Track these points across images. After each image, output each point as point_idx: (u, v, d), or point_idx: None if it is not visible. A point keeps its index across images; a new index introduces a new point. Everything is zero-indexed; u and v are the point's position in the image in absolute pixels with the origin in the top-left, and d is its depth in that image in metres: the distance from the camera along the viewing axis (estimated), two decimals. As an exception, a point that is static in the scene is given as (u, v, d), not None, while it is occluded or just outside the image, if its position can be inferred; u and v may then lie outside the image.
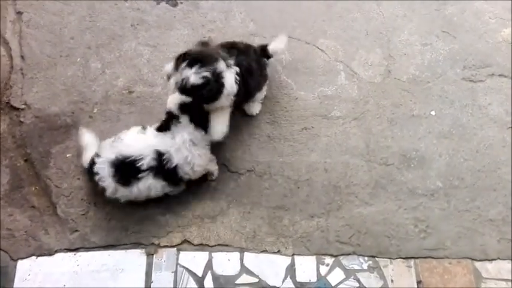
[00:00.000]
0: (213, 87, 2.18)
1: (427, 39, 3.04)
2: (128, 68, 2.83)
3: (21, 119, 2.71)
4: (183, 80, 2.14)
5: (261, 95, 2.68)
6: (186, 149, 2.30)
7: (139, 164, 2.24)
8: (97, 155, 2.32)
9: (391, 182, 2.65)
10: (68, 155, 2.63)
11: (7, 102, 2.76)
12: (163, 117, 2.41)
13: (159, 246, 2.46)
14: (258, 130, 2.75)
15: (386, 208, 2.59)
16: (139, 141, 2.28)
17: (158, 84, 2.82)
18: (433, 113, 2.82)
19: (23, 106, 2.74)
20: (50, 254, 2.42)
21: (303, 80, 2.87)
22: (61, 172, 2.60)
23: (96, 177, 2.32)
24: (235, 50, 2.42)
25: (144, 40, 2.94)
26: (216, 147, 2.61)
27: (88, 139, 2.51)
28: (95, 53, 2.86)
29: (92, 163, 2.34)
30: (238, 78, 2.27)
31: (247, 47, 2.54)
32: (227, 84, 2.23)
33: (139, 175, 2.26)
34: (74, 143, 2.66)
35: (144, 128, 2.36)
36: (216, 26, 3.03)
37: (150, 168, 2.26)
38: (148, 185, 2.30)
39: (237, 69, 2.30)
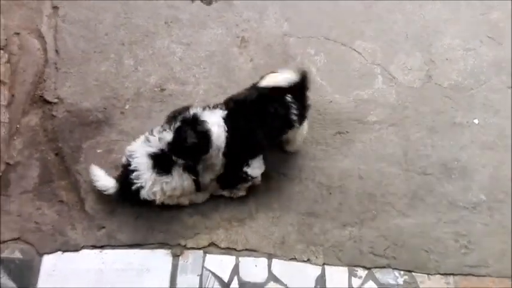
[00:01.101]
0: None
1: (470, 44, 2.89)
2: (160, 65, 2.78)
3: (54, 113, 2.67)
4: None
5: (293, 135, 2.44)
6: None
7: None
8: (131, 154, 2.28)
9: (430, 193, 2.50)
10: (98, 151, 2.58)
11: (40, 96, 2.75)
12: None
13: (185, 247, 2.39)
14: None
15: (425, 220, 2.44)
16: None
17: (190, 82, 2.76)
18: (476, 121, 2.67)
19: (55, 100, 2.71)
20: (76, 250, 2.38)
21: (338, 83, 2.75)
22: (91, 168, 2.54)
23: (133, 175, 2.24)
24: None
25: (177, 38, 2.89)
26: None
27: (97, 171, 2.45)
28: (128, 49, 2.82)
29: (127, 164, 2.29)
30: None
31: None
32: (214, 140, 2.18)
33: (179, 160, 2.22)
34: (104, 139, 2.62)
35: None
36: (250, 26, 2.95)
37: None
38: (182, 176, 2.24)
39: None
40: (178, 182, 2.26)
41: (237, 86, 2.72)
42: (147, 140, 2.26)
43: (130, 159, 2.27)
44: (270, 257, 2.37)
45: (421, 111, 2.69)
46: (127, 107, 2.69)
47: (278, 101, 2.25)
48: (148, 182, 2.26)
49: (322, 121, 2.69)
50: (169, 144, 2.12)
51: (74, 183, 2.52)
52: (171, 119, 2.16)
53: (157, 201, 2.35)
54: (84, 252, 2.38)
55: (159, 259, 2.36)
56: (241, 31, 2.92)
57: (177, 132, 2.10)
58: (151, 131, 2.27)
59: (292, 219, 2.46)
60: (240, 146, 2.21)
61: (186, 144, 2.10)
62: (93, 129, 2.64)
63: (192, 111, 2.18)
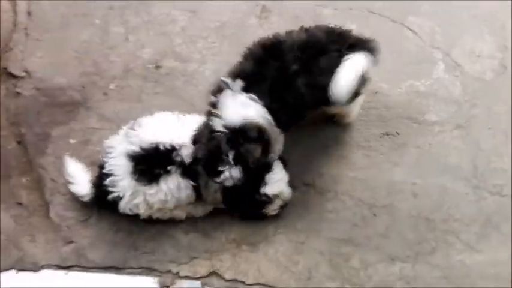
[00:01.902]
0: None
1: (555, 27, 2.40)
2: (158, 36, 2.43)
3: (19, 90, 2.32)
4: None
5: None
6: None
7: (175, 153, 1.81)
8: (108, 151, 1.90)
9: (507, 220, 1.98)
10: (71, 141, 2.19)
11: (4, 68, 2.38)
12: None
13: (178, 275, 1.93)
14: (321, 131, 2.16)
15: (500, 257, 1.92)
16: (173, 126, 1.88)
17: (194, 59, 2.37)
18: None
19: (22, 74, 2.35)
20: (35, 270, 1.97)
21: (386, 69, 2.24)
22: (60, 162, 2.12)
23: (107, 181, 1.85)
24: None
25: (181, 3, 2.52)
26: None
27: (74, 167, 2.04)
28: (118, 14, 2.51)
29: (101, 168, 1.91)
30: None
31: None
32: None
33: (170, 167, 1.81)
34: (80, 126, 2.22)
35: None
36: None
37: (180, 164, 1.82)
38: (178, 184, 1.83)
39: None
40: (170, 192, 1.85)
41: None
42: (128, 135, 1.86)
43: (105, 159, 1.87)
44: (290, 295, 1.89)
45: (494, 111, 2.18)
46: (111, 86, 2.31)
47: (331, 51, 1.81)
48: (127, 192, 1.84)
49: (364, 117, 2.18)
50: (239, 177, 1.74)
51: (37, 181, 2.14)
52: (215, 159, 1.72)
53: (142, 216, 1.93)
54: (45, 273, 1.96)
55: (141, 290, 1.91)
56: None
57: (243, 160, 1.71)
58: (134, 123, 1.91)
59: (322, 246, 1.95)
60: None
61: (257, 161, 1.74)
62: (67, 113, 2.26)
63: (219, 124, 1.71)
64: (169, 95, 2.24)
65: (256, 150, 1.71)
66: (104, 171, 1.85)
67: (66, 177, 2.01)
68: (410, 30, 2.36)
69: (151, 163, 1.80)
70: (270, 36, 1.88)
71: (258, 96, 1.73)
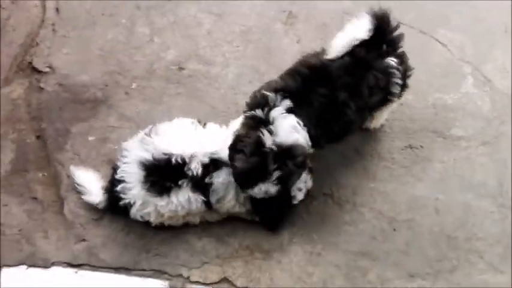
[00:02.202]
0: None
1: None
2: (183, 38, 2.39)
3: (42, 85, 2.29)
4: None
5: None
6: None
7: (187, 166, 1.75)
8: (123, 154, 1.85)
9: None
10: (90, 138, 2.16)
11: (29, 63, 2.36)
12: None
13: (188, 280, 1.87)
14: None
15: None
16: (189, 137, 1.82)
17: (217, 63, 2.32)
18: None
19: (47, 69, 2.33)
20: (45, 266, 1.92)
21: (413, 80, 2.12)
22: (78, 159, 2.11)
23: (119, 187, 1.80)
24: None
25: (207, 6, 2.48)
26: None
27: (84, 176, 1.99)
28: (144, 15, 2.47)
29: (114, 171, 1.86)
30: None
31: None
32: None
33: (181, 181, 1.75)
34: (100, 123, 2.19)
35: (200, 122, 1.90)
36: None
37: (192, 178, 1.76)
38: (188, 198, 1.78)
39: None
40: (180, 205, 1.80)
41: (278, 72, 2.22)
42: (143, 141, 1.81)
43: (119, 163, 1.83)
44: (302, 307, 1.81)
45: None
46: (134, 86, 2.28)
47: (375, 66, 1.76)
48: (138, 201, 1.80)
49: (388, 128, 2.10)
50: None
51: (53, 177, 2.09)
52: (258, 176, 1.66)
53: (154, 224, 1.88)
54: (55, 270, 1.91)
55: (151, 292, 1.85)
56: (289, 4, 2.46)
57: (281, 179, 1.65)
58: (151, 129, 1.85)
59: (339, 258, 1.87)
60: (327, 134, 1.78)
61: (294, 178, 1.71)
62: (88, 110, 2.23)
63: (270, 142, 1.66)
64: (191, 97, 2.20)
65: (299, 175, 1.69)
66: (117, 176, 1.80)
67: (77, 188, 1.96)
68: (440, 42, 2.28)
69: (162, 175, 1.75)
70: (314, 56, 1.81)
71: (304, 122, 1.68)
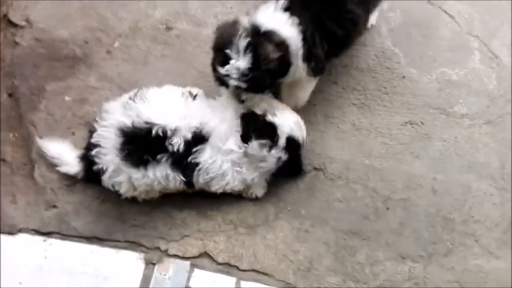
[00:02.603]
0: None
1: None
2: None
3: (17, 39, 2.13)
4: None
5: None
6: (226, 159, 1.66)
7: (170, 139, 1.60)
8: (102, 117, 1.71)
9: None
10: (66, 98, 2.01)
11: (5, 15, 2.18)
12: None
13: (166, 253, 1.76)
14: (339, 112, 1.97)
15: None
16: (176, 108, 1.66)
17: (208, 24, 2.15)
18: None
19: (23, 23, 2.16)
20: (11, 233, 1.80)
21: (417, 53, 2.08)
22: (52, 119, 1.96)
23: (93, 152, 1.67)
24: None
25: None
26: None
27: (56, 147, 1.83)
28: None
29: (91, 135, 1.71)
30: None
31: None
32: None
33: (160, 155, 1.61)
34: (78, 83, 2.03)
35: (192, 95, 1.73)
36: None
37: (172, 154, 1.62)
38: (166, 175, 1.64)
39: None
40: (156, 180, 1.66)
41: None
42: (126, 106, 1.67)
43: (97, 125, 1.68)
44: (287, 286, 1.71)
45: None
46: (116, 44, 2.12)
47: None
48: (110, 167, 1.65)
49: (388, 103, 1.98)
50: (245, 73, 1.54)
51: (25, 138, 1.96)
52: (226, 42, 1.56)
53: (124, 195, 1.75)
54: (22, 237, 1.80)
55: (125, 264, 1.74)
56: None
57: (254, 51, 1.52)
58: (137, 93, 1.71)
59: (328, 236, 1.77)
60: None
61: (269, 64, 1.54)
62: (66, 68, 2.07)
63: (247, 22, 1.59)
64: (178, 60, 2.04)
65: (273, 52, 1.54)
66: (92, 140, 1.66)
67: (50, 160, 1.81)
68: (448, 14, 2.14)
69: (140, 145, 1.61)
70: None
71: (299, 21, 1.57)
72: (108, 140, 1.64)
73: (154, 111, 1.62)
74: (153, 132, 1.58)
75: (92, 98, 1.97)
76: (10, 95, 2.01)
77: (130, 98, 1.69)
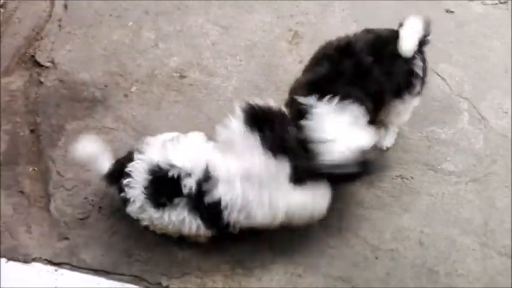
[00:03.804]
0: None
1: None
2: (187, 47, 2.37)
3: (42, 79, 2.28)
4: None
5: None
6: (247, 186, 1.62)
7: (183, 182, 1.61)
8: (138, 150, 1.71)
9: None
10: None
11: (32, 56, 2.36)
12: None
13: None
14: None
15: None
16: (196, 151, 1.67)
17: (219, 74, 2.30)
18: None
19: (48, 64, 2.32)
20: (26, 261, 1.89)
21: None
22: (69, 156, 2.03)
23: (124, 181, 1.68)
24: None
25: (215, 18, 2.46)
26: None
27: (92, 147, 1.79)
28: (151, 20, 2.45)
29: (127, 160, 1.72)
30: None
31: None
32: None
33: (176, 200, 1.64)
34: (96, 123, 2.17)
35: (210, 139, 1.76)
36: (308, 20, 2.46)
37: (189, 195, 1.62)
38: (183, 219, 1.66)
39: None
40: (172, 222, 1.69)
41: (277, 90, 2.27)
42: (163, 145, 1.68)
43: (135, 155, 1.70)
44: (278, 328, 1.77)
45: None
46: (133, 89, 2.26)
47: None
48: (137, 202, 1.69)
49: (380, 157, 2.07)
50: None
51: (43, 173, 2.07)
52: None
53: (148, 227, 1.80)
54: (35, 266, 1.88)
55: (128, 298, 1.82)
56: (296, 24, 2.44)
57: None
58: (177, 137, 1.72)
59: (319, 282, 1.84)
60: None
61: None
62: (85, 109, 2.21)
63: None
64: (189, 106, 2.17)
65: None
66: (127, 169, 1.67)
67: (83, 159, 1.78)
68: (440, 76, 2.25)
69: (160, 187, 1.63)
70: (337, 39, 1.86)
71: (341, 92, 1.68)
72: (138, 174, 1.65)
73: (177, 154, 1.64)
74: (170, 174, 1.60)
75: (107, 137, 2.08)
76: (32, 131, 2.14)
77: (170, 139, 1.70)
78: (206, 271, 1.85)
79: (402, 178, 2.03)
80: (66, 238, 1.91)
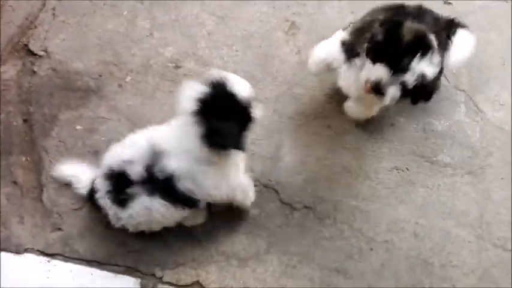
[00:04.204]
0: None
1: None
2: (183, 36, 2.33)
3: (35, 69, 2.24)
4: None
5: None
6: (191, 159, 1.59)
7: (128, 172, 1.63)
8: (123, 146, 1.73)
9: (507, 275, 1.85)
10: (77, 127, 2.11)
11: (25, 45, 2.31)
12: None
13: (160, 280, 1.83)
14: (330, 154, 2.07)
15: None
16: (138, 139, 1.69)
17: (214, 64, 2.25)
18: None
19: (41, 53, 2.28)
20: (18, 252, 1.88)
21: (406, 103, 2.09)
22: (63, 146, 2.07)
23: (96, 195, 1.74)
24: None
25: (211, 8, 2.41)
26: (269, 165, 2.00)
27: (70, 170, 1.89)
28: (146, 9, 2.41)
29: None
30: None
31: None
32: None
33: (130, 190, 1.64)
34: (90, 113, 2.14)
35: None
36: (305, 10, 2.42)
37: (143, 181, 1.62)
38: (146, 207, 1.66)
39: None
40: (142, 214, 1.69)
41: (273, 81, 2.26)
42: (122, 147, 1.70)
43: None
44: (272, 318, 1.77)
45: (509, 162, 2.06)
46: (128, 79, 2.23)
47: None
48: (110, 210, 1.73)
49: (377, 148, 2.08)
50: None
51: (36, 162, 2.04)
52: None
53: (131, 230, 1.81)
54: (28, 257, 1.87)
55: (121, 288, 1.80)
56: (292, 14, 2.40)
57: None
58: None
59: (313, 272, 1.84)
60: None
61: None
62: (79, 98, 2.17)
63: None
64: None
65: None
66: (94, 185, 1.73)
67: (65, 179, 1.88)
68: None
69: (119, 183, 1.64)
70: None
71: None
72: (101, 183, 1.68)
73: (129, 146, 1.67)
74: (117, 170, 1.62)
75: (101, 127, 2.07)
76: (25, 120, 2.11)
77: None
78: (200, 262, 1.84)
79: (398, 170, 2.02)
80: (59, 229, 1.89)
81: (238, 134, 1.56)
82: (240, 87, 1.55)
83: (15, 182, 1.98)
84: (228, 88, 1.53)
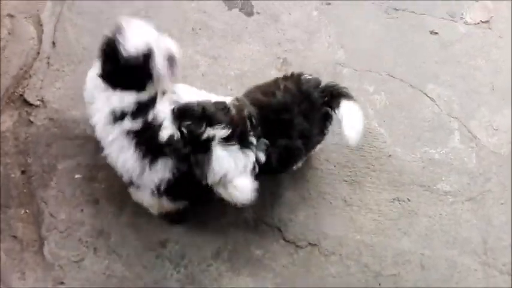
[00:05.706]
0: None
1: None
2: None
3: (32, 119, 2.22)
4: None
5: None
6: None
7: None
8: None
9: None
10: (76, 176, 2.09)
11: (21, 95, 2.29)
12: None
13: None
14: (331, 189, 2.07)
15: None
16: None
17: None
18: None
19: (37, 102, 2.26)
20: None
21: (401, 133, 2.20)
22: (62, 196, 2.04)
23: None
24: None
25: (204, 49, 2.43)
26: (269, 203, 2.01)
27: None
28: None
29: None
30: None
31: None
32: None
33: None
34: (88, 161, 2.11)
35: None
36: (295, 47, 2.44)
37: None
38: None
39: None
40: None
41: None
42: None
43: None
44: None
45: (509, 187, 2.09)
46: None
47: None
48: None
49: (376, 180, 2.09)
50: None
51: (35, 215, 2.00)
52: None
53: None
54: None
55: None
56: (284, 51, 2.43)
57: None
58: None
59: None
60: None
61: None
62: (76, 147, 2.15)
63: None
64: None
65: None
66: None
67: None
68: (429, 97, 2.26)
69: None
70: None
71: None
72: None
73: None
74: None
75: (99, 175, 2.05)
76: (23, 172, 2.07)
77: None
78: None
79: (399, 200, 2.03)
80: (62, 283, 1.86)
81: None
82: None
83: (14, 236, 1.94)
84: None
